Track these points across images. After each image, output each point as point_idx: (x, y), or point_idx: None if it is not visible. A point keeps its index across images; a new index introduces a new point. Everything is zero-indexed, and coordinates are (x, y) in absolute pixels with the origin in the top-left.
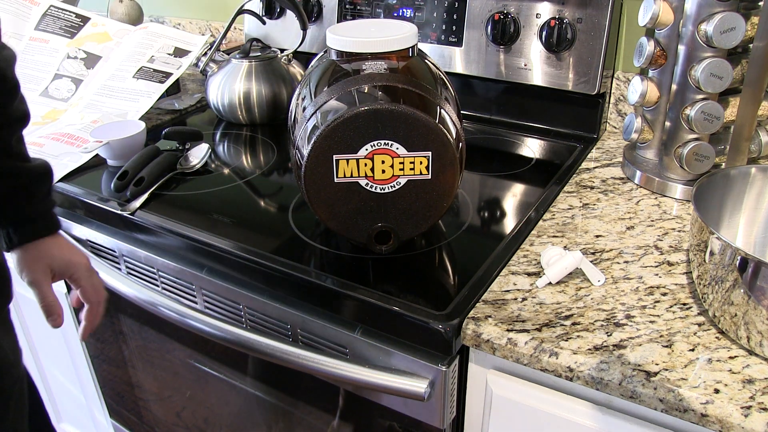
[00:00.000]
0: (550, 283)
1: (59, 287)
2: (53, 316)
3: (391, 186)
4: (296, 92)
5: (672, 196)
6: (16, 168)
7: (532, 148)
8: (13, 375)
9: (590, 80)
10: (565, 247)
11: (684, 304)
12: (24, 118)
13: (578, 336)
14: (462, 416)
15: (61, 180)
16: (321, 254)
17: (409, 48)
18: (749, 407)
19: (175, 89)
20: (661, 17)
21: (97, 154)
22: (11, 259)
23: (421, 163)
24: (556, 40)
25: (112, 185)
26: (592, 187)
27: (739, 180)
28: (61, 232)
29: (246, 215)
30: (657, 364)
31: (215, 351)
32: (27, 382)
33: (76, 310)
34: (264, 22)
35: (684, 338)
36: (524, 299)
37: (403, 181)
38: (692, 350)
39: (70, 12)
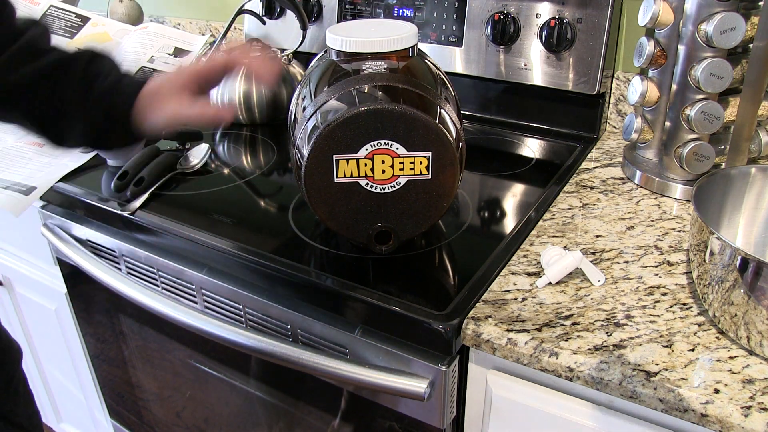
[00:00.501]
0: (550, 283)
1: (59, 287)
2: (218, 118)
3: (391, 186)
4: (296, 92)
5: (672, 196)
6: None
7: (532, 148)
8: (20, 363)
9: (590, 80)
10: (565, 247)
11: (684, 304)
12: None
13: (578, 336)
14: (462, 416)
15: (61, 180)
16: (321, 254)
17: (409, 48)
18: (749, 407)
19: None
20: (661, 17)
21: (97, 154)
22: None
23: (421, 163)
24: (556, 40)
25: (112, 185)
26: (592, 187)
27: (739, 180)
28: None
29: (246, 215)
30: (657, 364)
31: (215, 351)
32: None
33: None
34: (264, 22)
35: (684, 338)
36: (524, 299)
37: (403, 181)
38: (692, 350)
39: (70, 12)
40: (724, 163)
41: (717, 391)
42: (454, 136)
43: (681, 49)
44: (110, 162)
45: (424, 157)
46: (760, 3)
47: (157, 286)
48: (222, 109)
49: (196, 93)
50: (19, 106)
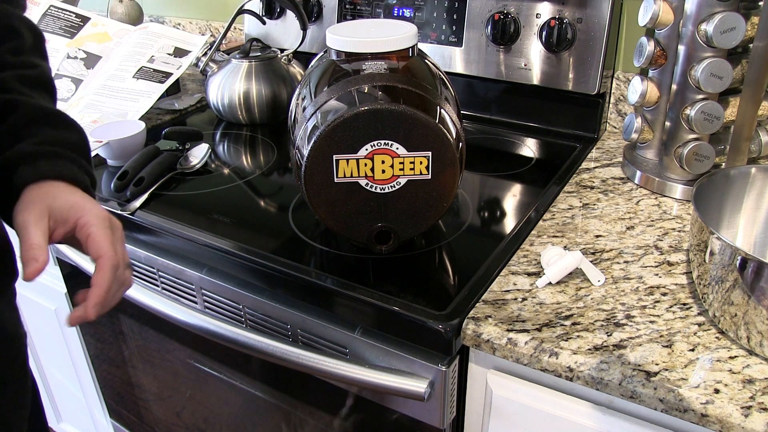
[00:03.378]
0: (550, 283)
1: (59, 288)
2: (30, 261)
3: (391, 186)
4: (296, 92)
5: (672, 196)
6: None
7: (532, 148)
8: (12, 349)
9: (590, 80)
10: (565, 247)
11: (684, 304)
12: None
13: (578, 336)
14: (462, 416)
15: None
16: (321, 254)
17: (409, 48)
18: (749, 407)
19: (175, 89)
20: (661, 17)
21: (97, 154)
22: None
23: (421, 163)
24: (556, 40)
25: (112, 185)
26: (592, 187)
27: (739, 180)
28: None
29: (246, 215)
30: (657, 364)
31: (215, 351)
32: (31, 382)
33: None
34: (264, 22)
35: (684, 338)
36: (524, 299)
37: (403, 181)
38: (692, 350)
39: (70, 12)
40: (724, 163)
41: (717, 391)
42: (454, 136)
43: (681, 49)
44: (110, 162)
45: (424, 157)
46: (760, 3)
47: (157, 286)
48: (37, 258)
49: (49, 227)
50: None
